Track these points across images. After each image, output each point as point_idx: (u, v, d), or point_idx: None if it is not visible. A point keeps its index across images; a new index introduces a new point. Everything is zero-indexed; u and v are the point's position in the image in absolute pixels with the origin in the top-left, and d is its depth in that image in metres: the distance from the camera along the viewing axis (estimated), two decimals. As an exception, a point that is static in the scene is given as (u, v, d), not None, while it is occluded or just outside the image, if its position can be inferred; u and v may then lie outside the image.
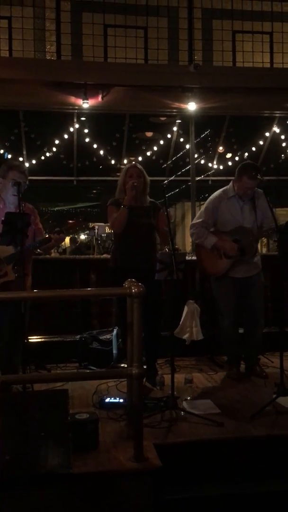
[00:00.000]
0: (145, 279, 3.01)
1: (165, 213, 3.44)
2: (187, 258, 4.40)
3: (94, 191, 8.60)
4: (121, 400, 3.26)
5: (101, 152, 7.39)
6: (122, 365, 4.07)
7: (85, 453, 2.60)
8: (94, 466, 2.50)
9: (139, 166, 3.89)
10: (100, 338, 4.42)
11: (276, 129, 7.52)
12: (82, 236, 20.30)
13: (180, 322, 4.36)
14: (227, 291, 3.94)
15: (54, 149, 7.40)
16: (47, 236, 3.58)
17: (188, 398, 3.43)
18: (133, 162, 4.09)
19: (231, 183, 3.97)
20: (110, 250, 4.11)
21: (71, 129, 7.04)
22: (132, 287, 2.59)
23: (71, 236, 18.09)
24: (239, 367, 4.06)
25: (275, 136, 7.65)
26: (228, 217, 3.90)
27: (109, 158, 7.51)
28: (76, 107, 5.80)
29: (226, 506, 2.70)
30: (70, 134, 7.12)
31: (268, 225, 3.76)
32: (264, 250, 10.14)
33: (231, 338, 4.04)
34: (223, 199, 3.93)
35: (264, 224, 3.83)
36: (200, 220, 3.98)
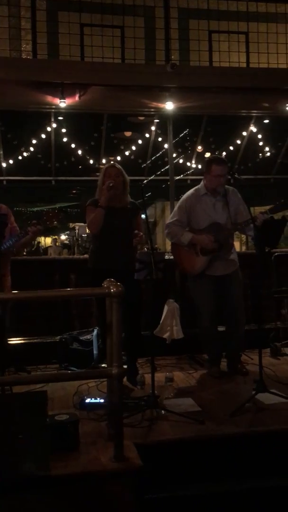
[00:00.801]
0: (124, 279, 3.00)
1: (143, 216, 3.46)
2: (167, 257, 4.41)
3: (74, 191, 8.55)
4: (102, 400, 3.25)
5: (80, 152, 7.35)
6: (103, 365, 4.05)
7: (66, 454, 2.58)
8: (74, 467, 2.49)
9: (118, 165, 3.87)
10: (81, 338, 4.40)
11: (253, 129, 7.60)
12: (63, 237, 20.21)
13: (160, 321, 4.38)
14: (205, 290, 3.94)
15: (32, 149, 7.33)
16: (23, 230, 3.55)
17: (169, 396, 3.44)
18: (112, 162, 4.08)
19: (202, 182, 4.02)
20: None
21: (49, 129, 6.98)
22: (111, 287, 2.59)
23: (53, 237, 17.99)
24: (219, 365, 4.08)
25: (252, 136, 7.74)
26: (201, 215, 3.93)
27: (88, 158, 7.48)
28: (53, 107, 5.75)
29: (208, 504, 2.71)
30: (47, 133, 7.06)
31: (242, 220, 3.80)
32: (244, 249, 10.25)
33: (210, 337, 4.06)
34: (196, 197, 3.97)
35: (238, 219, 3.87)
36: (174, 219, 4.00)
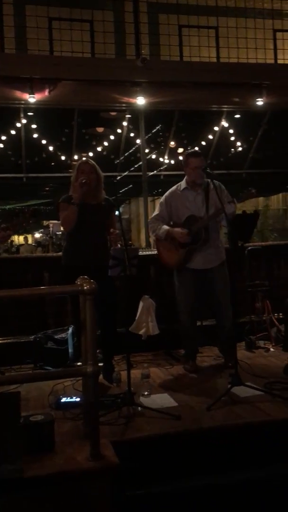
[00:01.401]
0: (98, 276, 2.98)
1: (116, 213, 3.45)
2: (141, 253, 4.39)
3: (47, 188, 8.43)
4: (78, 399, 3.22)
5: (51, 148, 7.24)
6: (79, 363, 4.01)
7: (41, 455, 2.54)
8: (50, 468, 2.45)
9: (91, 161, 3.81)
10: (55, 337, 4.35)
11: (224, 124, 7.65)
12: (37, 235, 19.97)
13: (136, 318, 4.36)
14: (185, 283, 3.97)
15: (1, 145, 7.19)
16: None
17: (145, 393, 3.43)
18: (85, 158, 4.02)
19: (184, 178, 4.05)
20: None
21: (18, 125, 6.85)
22: (84, 284, 2.56)
23: (25, 235, 17.76)
24: (195, 360, 4.10)
25: (224, 131, 7.78)
26: (181, 209, 3.98)
27: (59, 154, 7.38)
28: (23, 102, 5.64)
29: (185, 498, 2.71)
30: (17, 129, 6.93)
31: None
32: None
33: (187, 332, 4.07)
34: (176, 192, 4.04)
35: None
36: (156, 214, 4.10)
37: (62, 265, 3.83)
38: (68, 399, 3.28)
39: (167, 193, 4.09)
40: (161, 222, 4.02)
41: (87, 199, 3.70)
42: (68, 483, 2.44)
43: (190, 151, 4.12)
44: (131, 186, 7.89)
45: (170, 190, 4.10)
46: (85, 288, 2.55)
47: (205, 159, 3.98)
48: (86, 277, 2.67)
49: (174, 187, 4.09)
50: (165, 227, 3.97)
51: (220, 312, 3.97)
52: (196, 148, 7.60)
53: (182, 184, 4.04)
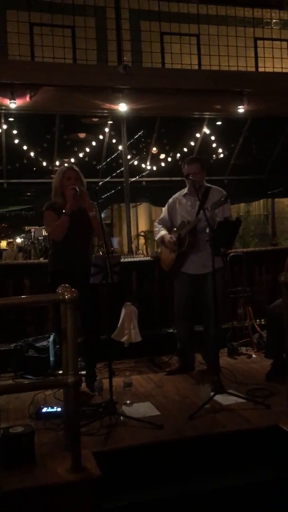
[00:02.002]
0: (84, 282, 2.96)
1: (97, 216, 3.43)
2: (123, 260, 4.37)
3: (28, 194, 8.34)
4: (59, 409, 3.18)
5: (32, 154, 7.17)
6: (60, 372, 3.96)
7: (21, 467, 2.50)
8: (30, 481, 2.41)
9: (76, 168, 3.78)
10: (36, 345, 4.30)
11: (206, 130, 7.67)
12: (18, 240, 19.79)
13: (118, 325, 4.33)
14: (180, 286, 4.07)
15: (-19, 151, 7.10)
16: None
17: (128, 402, 3.40)
18: (69, 164, 3.98)
19: None
20: (48, 254, 3.99)
21: (-1, 130, 6.79)
22: (65, 293, 2.52)
23: (8, 240, 17.57)
24: (180, 364, 4.12)
25: (205, 138, 7.80)
26: (179, 214, 4.08)
27: (40, 160, 7.31)
28: (3, 107, 5.58)
29: (168, 508, 2.68)
30: (-3, 135, 6.87)
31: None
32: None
33: (178, 334, 4.16)
34: (178, 198, 4.13)
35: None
36: (159, 218, 4.25)
37: (49, 272, 3.78)
38: (49, 409, 3.24)
39: (171, 198, 4.19)
40: (162, 226, 4.16)
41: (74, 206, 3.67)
42: (48, 496, 2.40)
43: (183, 157, 4.22)
44: (112, 191, 7.87)
45: (174, 195, 4.19)
46: (67, 297, 2.51)
47: (203, 166, 3.98)
48: (67, 285, 2.63)
49: (178, 193, 4.17)
50: (162, 232, 4.11)
51: (207, 318, 3.98)
52: (178, 155, 7.66)
53: (184, 190, 4.12)
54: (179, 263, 3.99)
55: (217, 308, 3.49)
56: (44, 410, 3.23)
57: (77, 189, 3.57)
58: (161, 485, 2.74)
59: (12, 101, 5.34)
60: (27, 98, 5.47)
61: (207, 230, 3.71)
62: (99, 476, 2.45)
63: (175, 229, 4.12)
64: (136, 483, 2.71)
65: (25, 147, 7.09)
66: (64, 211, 3.58)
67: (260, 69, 7.73)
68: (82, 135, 7.58)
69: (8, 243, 15.35)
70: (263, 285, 5.32)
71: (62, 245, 3.67)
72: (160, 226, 4.18)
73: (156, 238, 4.24)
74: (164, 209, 4.23)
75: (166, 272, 4.19)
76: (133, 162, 7.82)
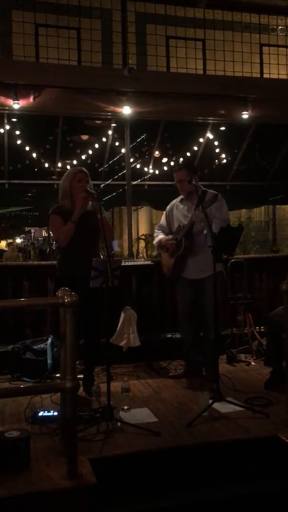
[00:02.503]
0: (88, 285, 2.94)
1: (101, 218, 3.41)
2: (123, 263, 4.35)
3: (29, 195, 8.32)
4: (55, 413, 3.15)
5: (34, 155, 7.15)
6: (58, 375, 3.93)
7: (16, 473, 2.47)
8: (25, 487, 2.38)
9: (85, 170, 3.76)
10: (34, 348, 4.26)
11: (209, 135, 7.66)
12: (18, 240, 19.78)
13: (117, 329, 4.31)
14: (181, 292, 4.09)
15: (-16, 151, 7.07)
16: None
17: (125, 407, 3.37)
18: (79, 167, 3.96)
19: None
20: (51, 256, 3.98)
21: (1, 131, 6.74)
22: (65, 297, 2.50)
23: (8, 241, 17.54)
24: (185, 369, 4.12)
25: (209, 142, 7.79)
26: (176, 220, 4.10)
27: (43, 161, 7.28)
28: (7, 108, 5.56)
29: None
30: (0, 135, 6.83)
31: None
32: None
33: (183, 339, 4.16)
34: (175, 204, 4.15)
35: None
36: (159, 224, 4.31)
37: (56, 276, 3.75)
38: (45, 413, 3.21)
39: (168, 205, 4.23)
40: (161, 232, 4.21)
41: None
42: (43, 503, 2.37)
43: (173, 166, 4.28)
44: (114, 194, 7.84)
45: (172, 201, 4.21)
46: (66, 301, 2.49)
47: (189, 171, 3.96)
48: (67, 289, 2.61)
49: (175, 199, 4.18)
50: (160, 236, 4.16)
51: (206, 324, 3.94)
52: (181, 160, 7.64)
53: (181, 195, 4.13)
54: (179, 268, 3.97)
55: (217, 314, 3.45)
56: (41, 414, 3.20)
57: (89, 191, 3.55)
58: (158, 493, 2.71)
59: (16, 101, 5.32)
60: (31, 99, 5.45)
61: (205, 232, 3.71)
62: (95, 483, 2.42)
63: (170, 236, 4.12)
64: (133, 491, 2.68)
65: (27, 148, 7.06)
66: (72, 218, 3.56)
67: (265, 75, 7.71)
68: (85, 137, 7.56)
69: (8, 244, 15.30)
70: (264, 292, 5.29)
71: (70, 249, 3.64)
72: (159, 231, 4.23)
73: (154, 243, 4.30)
74: (164, 215, 4.25)
75: (168, 278, 4.17)
76: (136, 166, 7.80)
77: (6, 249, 14.88)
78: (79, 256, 3.59)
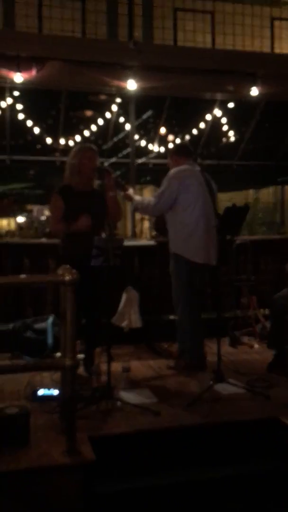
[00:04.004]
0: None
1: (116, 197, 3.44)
2: (126, 243, 4.28)
3: (31, 172, 8.19)
4: (55, 392, 3.13)
5: (36, 131, 6.99)
6: (58, 354, 3.92)
7: (15, 449, 2.48)
8: (24, 462, 2.39)
9: (95, 147, 3.68)
10: (35, 326, 4.26)
11: (217, 113, 7.47)
12: (20, 219, 19.60)
13: (119, 309, 4.27)
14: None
15: (-16, 125, 6.94)
16: None
17: (125, 387, 3.35)
18: (88, 144, 3.87)
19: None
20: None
21: (3, 105, 6.59)
22: (65, 274, 2.45)
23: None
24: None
25: (216, 120, 7.60)
26: None
27: (45, 136, 7.13)
28: (8, 81, 5.43)
29: (161, 496, 2.65)
30: (2, 109, 6.66)
31: None
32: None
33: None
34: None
35: None
36: None
37: (60, 255, 3.70)
38: (45, 392, 3.21)
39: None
40: None
41: (85, 187, 3.58)
42: (42, 478, 2.39)
43: None
44: (118, 173, 7.71)
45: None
46: (66, 278, 2.44)
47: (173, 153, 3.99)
48: (68, 266, 2.56)
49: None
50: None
51: None
52: (187, 137, 7.48)
53: None
54: None
55: (219, 294, 3.39)
56: (41, 392, 3.20)
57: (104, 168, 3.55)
58: (155, 472, 2.72)
59: (18, 73, 5.18)
60: (33, 72, 5.31)
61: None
62: (94, 460, 2.42)
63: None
64: (130, 469, 2.69)
65: (29, 123, 6.91)
66: (71, 228, 3.50)
67: (276, 51, 7.49)
68: (88, 113, 7.39)
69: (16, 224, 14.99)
70: (269, 274, 5.22)
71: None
72: None
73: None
74: None
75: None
76: (140, 143, 7.64)
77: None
78: (83, 237, 3.52)
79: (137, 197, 3.94)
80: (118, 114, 7.15)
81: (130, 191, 3.90)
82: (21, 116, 6.74)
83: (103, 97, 6.83)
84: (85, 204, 3.51)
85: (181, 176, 3.77)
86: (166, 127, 7.61)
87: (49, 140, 7.11)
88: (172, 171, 3.82)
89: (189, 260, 3.73)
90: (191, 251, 3.73)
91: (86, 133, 7.34)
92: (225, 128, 7.75)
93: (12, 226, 14.62)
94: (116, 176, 3.57)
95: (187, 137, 7.55)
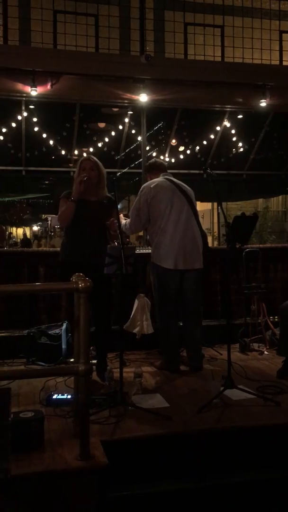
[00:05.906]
0: (94, 273, 2.96)
1: (115, 210, 3.47)
2: (137, 251, 4.37)
3: (46, 182, 8.35)
4: (69, 396, 3.20)
5: (51, 142, 7.17)
6: (72, 360, 4.00)
7: (29, 452, 2.53)
8: (37, 466, 2.44)
9: (94, 158, 3.78)
10: (49, 333, 4.32)
11: (227, 124, 7.57)
12: (35, 227, 19.87)
13: (131, 316, 4.34)
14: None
15: (1, 138, 7.11)
16: None
17: (137, 392, 3.41)
18: (87, 155, 3.99)
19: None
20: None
21: (19, 118, 6.77)
22: (79, 282, 2.53)
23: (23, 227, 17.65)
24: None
25: (225, 131, 7.70)
26: None
27: (59, 148, 7.30)
28: (24, 95, 5.59)
29: (171, 501, 2.70)
30: (18, 122, 6.85)
31: None
32: (215, 244, 10.32)
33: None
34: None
35: None
36: None
37: (59, 261, 3.80)
38: (59, 396, 3.26)
39: None
40: None
41: (87, 195, 3.67)
42: (55, 482, 2.42)
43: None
44: (130, 182, 7.82)
45: None
46: (80, 286, 2.52)
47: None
48: (81, 274, 2.65)
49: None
50: None
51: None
52: (197, 148, 7.56)
53: None
54: None
55: (230, 301, 3.46)
56: (55, 396, 3.26)
57: (86, 178, 3.60)
58: (167, 477, 2.74)
59: (34, 88, 5.34)
60: (48, 86, 5.45)
61: None
62: (107, 465, 2.46)
63: None
64: (142, 474, 2.72)
65: (44, 135, 7.08)
66: (71, 197, 3.62)
67: (285, 63, 7.58)
68: (101, 125, 7.54)
69: (32, 234, 15.16)
70: (278, 282, 5.27)
71: (75, 235, 3.69)
72: None
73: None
74: None
75: None
76: (152, 154, 7.76)
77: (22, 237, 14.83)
78: (83, 243, 3.63)
79: (122, 222, 4.10)
80: (130, 126, 7.29)
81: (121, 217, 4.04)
82: (36, 128, 6.90)
83: (115, 109, 6.97)
84: (86, 213, 3.63)
85: (147, 191, 3.99)
86: (176, 138, 7.73)
87: (63, 152, 7.27)
88: (141, 187, 4.05)
89: (159, 265, 3.93)
90: (161, 257, 3.94)
91: (99, 144, 7.49)
92: (234, 139, 7.84)
93: (28, 234, 14.81)
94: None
95: (197, 148, 7.64)
